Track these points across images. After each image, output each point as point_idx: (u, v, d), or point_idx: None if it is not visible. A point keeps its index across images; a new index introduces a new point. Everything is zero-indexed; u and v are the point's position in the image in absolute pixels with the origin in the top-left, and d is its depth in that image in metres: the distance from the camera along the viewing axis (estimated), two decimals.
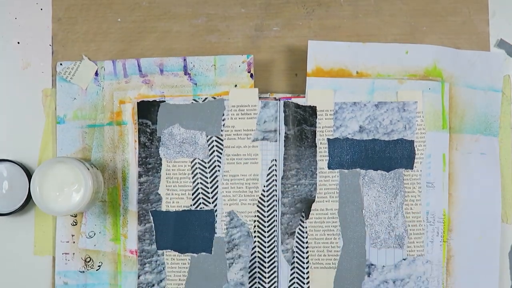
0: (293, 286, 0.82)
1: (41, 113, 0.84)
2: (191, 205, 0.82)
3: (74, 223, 0.83)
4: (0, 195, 0.81)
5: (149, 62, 0.84)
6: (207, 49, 0.85)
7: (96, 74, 0.84)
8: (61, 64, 0.84)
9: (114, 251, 0.83)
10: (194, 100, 0.83)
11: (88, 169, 0.76)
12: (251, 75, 0.83)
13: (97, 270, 0.83)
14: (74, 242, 0.83)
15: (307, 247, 0.82)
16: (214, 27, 0.85)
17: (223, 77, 0.83)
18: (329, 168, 0.82)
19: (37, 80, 0.85)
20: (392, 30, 0.85)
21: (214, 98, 0.82)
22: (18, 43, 0.85)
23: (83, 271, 0.83)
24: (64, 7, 0.85)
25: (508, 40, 0.85)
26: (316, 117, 0.82)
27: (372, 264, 0.82)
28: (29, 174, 0.82)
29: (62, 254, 0.83)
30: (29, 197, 0.81)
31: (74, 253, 0.83)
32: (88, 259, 0.83)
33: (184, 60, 0.83)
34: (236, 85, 0.83)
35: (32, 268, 0.84)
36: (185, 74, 0.83)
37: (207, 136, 0.82)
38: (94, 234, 0.83)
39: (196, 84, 0.83)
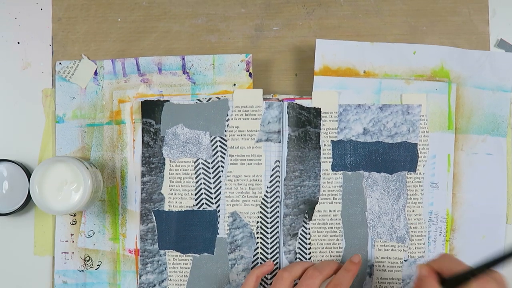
0: None
1: (41, 113, 0.84)
2: (193, 205, 0.82)
3: (74, 222, 0.83)
4: (0, 195, 0.81)
5: (147, 61, 0.83)
6: (207, 49, 0.85)
7: (96, 73, 0.83)
8: (60, 63, 0.84)
9: (113, 250, 0.82)
10: (198, 100, 0.82)
11: (87, 168, 0.75)
12: (250, 74, 0.82)
13: (96, 269, 0.82)
14: (73, 242, 0.83)
15: (309, 248, 0.81)
16: (214, 27, 0.85)
17: (221, 76, 0.83)
18: (332, 170, 0.82)
19: (37, 80, 0.84)
20: (392, 30, 0.85)
21: (218, 98, 0.82)
22: (18, 43, 0.85)
23: (82, 270, 0.82)
24: (64, 7, 0.85)
25: (508, 40, 0.85)
26: (320, 119, 0.82)
27: (373, 265, 0.81)
28: (29, 174, 0.81)
29: (61, 253, 0.83)
30: (29, 197, 0.81)
31: (73, 252, 0.83)
32: (87, 258, 0.82)
33: (183, 59, 0.83)
34: (234, 84, 0.82)
35: (32, 268, 0.84)
36: (183, 73, 0.83)
37: (210, 136, 0.82)
38: (93, 233, 0.82)
39: (194, 83, 0.83)
